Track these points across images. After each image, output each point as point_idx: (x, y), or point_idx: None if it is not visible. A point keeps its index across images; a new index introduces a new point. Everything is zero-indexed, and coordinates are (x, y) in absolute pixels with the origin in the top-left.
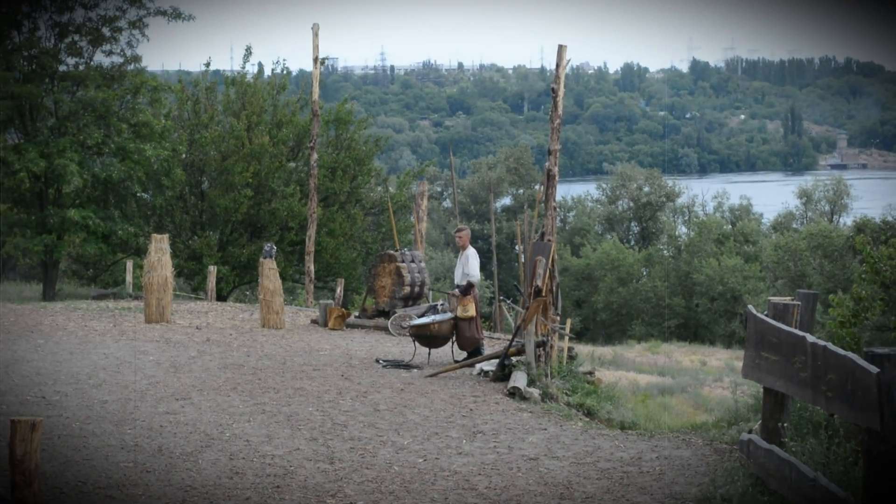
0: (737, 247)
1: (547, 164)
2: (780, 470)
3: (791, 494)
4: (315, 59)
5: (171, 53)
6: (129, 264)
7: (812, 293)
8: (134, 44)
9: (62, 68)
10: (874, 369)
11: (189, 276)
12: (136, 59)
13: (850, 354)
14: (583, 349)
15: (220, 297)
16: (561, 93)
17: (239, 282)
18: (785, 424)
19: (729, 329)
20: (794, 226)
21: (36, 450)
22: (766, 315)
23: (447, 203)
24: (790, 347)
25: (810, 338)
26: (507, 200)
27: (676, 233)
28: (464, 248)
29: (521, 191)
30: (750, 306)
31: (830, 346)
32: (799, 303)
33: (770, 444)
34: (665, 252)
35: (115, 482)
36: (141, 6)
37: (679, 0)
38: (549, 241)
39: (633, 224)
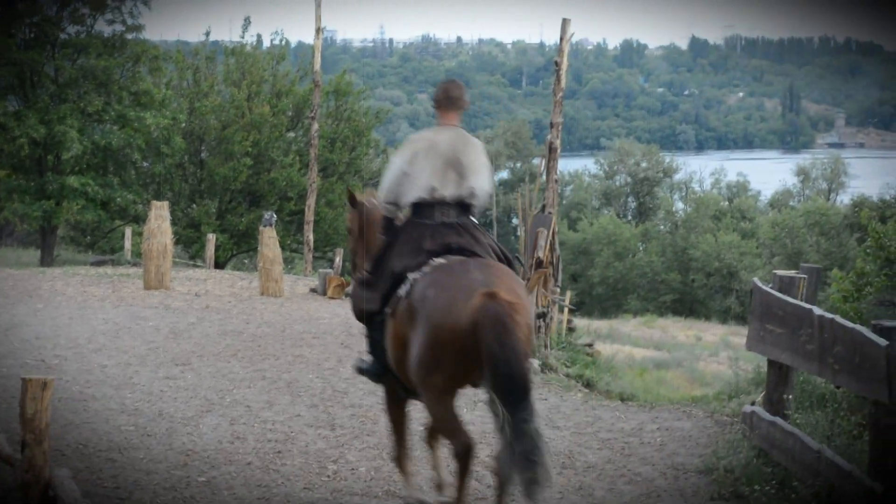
0: (734, 223)
1: (549, 136)
2: (784, 442)
3: (795, 466)
4: (317, 30)
5: (170, 24)
6: (128, 231)
7: (816, 267)
8: (135, 13)
9: (63, 36)
10: (883, 342)
11: (187, 244)
12: (138, 27)
13: (859, 327)
14: (579, 323)
15: (218, 265)
16: (564, 66)
17: (237, 250)
18: (789, 397)
19: (724, 305)
20: (792, 203)
21: (47, 409)
22: (772, 288)
23: None
24: (796, 320)
25: (817, 310)
26: (504, 174)
27: (673, 208)
28: None
29: (518, 164)
30: (756, 279)
31: (838, 318)
32: (805, 276)
33: (774, 416)
34: (662, 227)
35: (117, 445)
36: None
37: None
38: (550, 213)
39: (630, 199)
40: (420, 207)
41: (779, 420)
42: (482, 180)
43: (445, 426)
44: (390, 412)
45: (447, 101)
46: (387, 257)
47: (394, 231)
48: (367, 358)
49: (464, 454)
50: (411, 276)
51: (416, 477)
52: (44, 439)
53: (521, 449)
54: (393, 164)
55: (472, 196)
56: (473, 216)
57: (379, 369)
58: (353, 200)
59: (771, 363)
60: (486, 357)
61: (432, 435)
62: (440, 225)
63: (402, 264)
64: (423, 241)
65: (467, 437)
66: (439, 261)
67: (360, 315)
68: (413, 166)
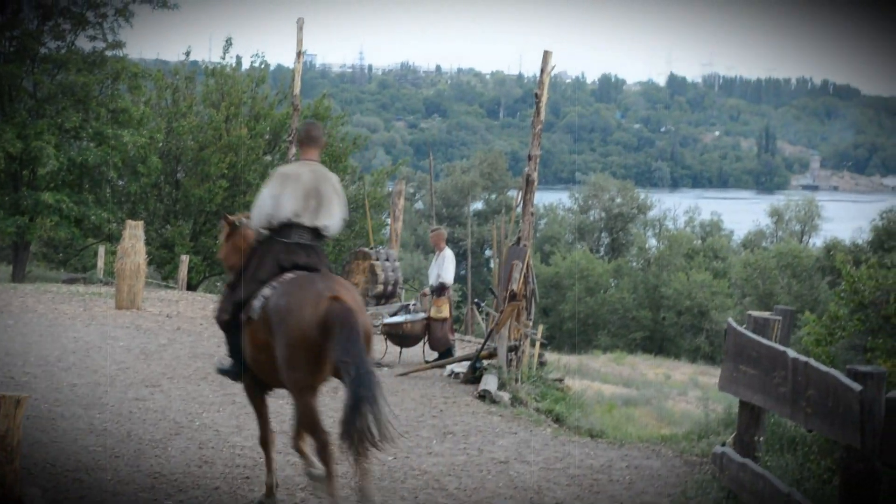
0: (706, 262)
1: (526, 168)
2: (753, 484)
3: None
4: (298, 54)
5: (149, 42)
6: (101, 250)
7: (789, 310)
8: (116, 30)
9: (43, 50)
10: (857, 387)
11: (160, 265)
12: (119, 45)
13: (833, 371)
14: (549, 357)
15: (191, 287)
16: (544, 98)
17: (210, 273)
18: (760, 439)
19: (694, 344)
20: (764, 244)
21: (19, 427)
22: (746, 328)
23: (419, 205)
24: (770, 362)
25: (791, 353)
26: (479, 205)
27: (647, 245)
28: (440, 249)
29: (493, 196)
30: (730, 319)
31: (812, 361)
32: (779, 318)
33: (744, 457)
34: (634, 264)
35: (84, 465)
36: None
37: (659, 14)
38: (525, 245)
39: (603, 234)
40: (287, 229)
41: (749, 462)
42: (336, 209)
43: (307, 421)
44: (252, 403)
45: (309, 139)
46: (247, 271)
47: (256, 248)
48: (227, 360)
49: (322, 448)
50: (265, 288)
51: (276, 458)
52: (15, 457)
53: (361, 419)
54: (263, 192)
55: (327, 223)
56: (327, 239)
57: (237, 370)
58: (227, 221)
59: (743, 404)
60: (337, 348)
61: (300, 436)
62: (295, 244)
63: (258, 278)
64: (278, 258)
65: (325, 433)
66: (289, 275)
67: (220, 323)
68: (281, 194)
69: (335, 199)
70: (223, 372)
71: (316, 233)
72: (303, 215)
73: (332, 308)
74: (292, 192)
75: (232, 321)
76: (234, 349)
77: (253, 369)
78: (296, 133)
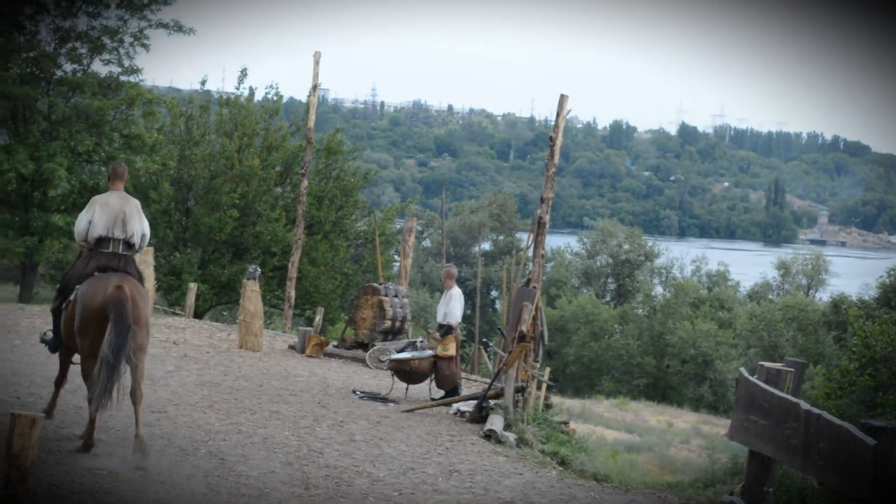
0: (712, 312)
1: (539, 211)
2: None
3: None
4: (314, 87)
5: (162, 69)
6: None
7: (801, 362)
8: (132, 55)
9: (59, 73)
10: (871, 441)
11: (168, 292)
12: (135, 70)
13: (846, 424)
14: (553, 400)
15: (197, 315)
16: (559, 142)
17: (217, 301)
18: (770, 489)
19: (698, 392)
20: (770, 296)
21: (34, 446)
22: (758, 379)
23: (427, 242)
24: (782, 413)
25: (804, 404)
26: (486, 246)
27: (653, 293)
28: (448, 287)
29: (501, 237)
30: (742, 369)
31: (825, 414)
32: (792, 370)
33: None
34: (640, 311)
35: (88, 488)
36: (143, 17)
37: (672, 63)
38: (535, 287)
39: (609, 280)
40: (100, 241)
41: None
42: (137, 225)
43: (86, 373)
44: (61, 363)
45: (115, 175)
46: (72, 274)
47: (82, 257)
48: (50, 335)
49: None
50: (80, 285)
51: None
52: (28, 477)
53: (108, 378)
54: (82, 215)
55: (132, 237)
56: (136, 250)
57: (56, 343)
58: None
59: (752, 454)
60: (111, 321)
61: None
62: (110, 254)
63: (79, 278)
64: (95, 263)
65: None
66: (98, 275)
67: (51, 311)
68: (95, 217)
69: (136, 216)
70: (45, 342)
71: (127, 244)
72: (113, 230)
73: (113, 294)
74: (104, 214)
75: (57, 309)
76: (56, 330)
77: (65, 340)
78: (109, 170)
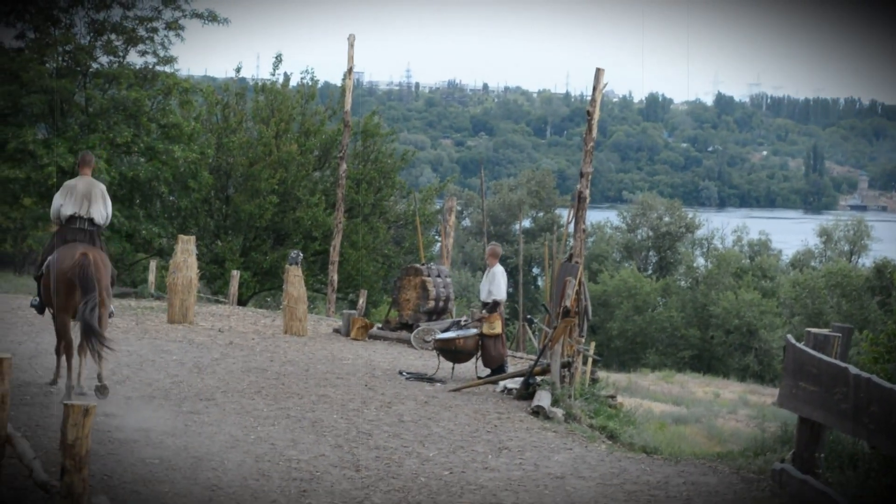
0: (754, 281)
1: (578, 186)
2: (816, 500)
3: None
4: (349, 70)
5: (197, 58)
6: (153, 264)
7: (847, 327)
8: (167, 45)
9: (95, 66)
10: None
11: (211, 280)
12: (170, 60)
13: None
14: (598, 374)
15: (241, 302)
16: (596, 116)
17: (260, 288)
18: (821, 455)
19: (743, 363)
20: (813, 264)
21: (87, 436)
22: (806, 345)
23: (466, 222)
24: (831, 378)
25: (853, 369)
26: (526, 223)
27: (694, 264)
28: (491, 265)
29: (541, 214)
30: (789, 336)
31: (875, 378)
32: (839, 335)
33: (805, 474)
34: (682, 283)
35: (141, 477)
36: (177, 7)
37: (706, 33)
38: (577, 262)
39: (651, 253)
40: (71, 220)
41: (810, 478)
42: (101, 207)
43: (60, 329)
44: (56, 323)
45: (84, 163)
46: (49, 246)
47: (57, 233)
48: (37, 301)
49: (67, 347)
50: (52, 255)
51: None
52: (83, 466)
53: (86, 329)
54: (56, 197)
55: (94, 215)
56: (100, 227)
57: (41, 305)
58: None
59: (803, 421)
60: (78, 282)
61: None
62: (77, 229)
63: (51, 249)
64: (65, 237)
65: (70, 337)
66: (67, 245)
67: (35, 277)
68: (66, 199)
69: (100, 199)
70: (33, 306)
71: (91, 221)
72: (80, 211)
73: (79, 259)
74: (72, 197)
75: (39, 276)
76: (39, 293)
77: (45, 302)
78: (77, 159)
